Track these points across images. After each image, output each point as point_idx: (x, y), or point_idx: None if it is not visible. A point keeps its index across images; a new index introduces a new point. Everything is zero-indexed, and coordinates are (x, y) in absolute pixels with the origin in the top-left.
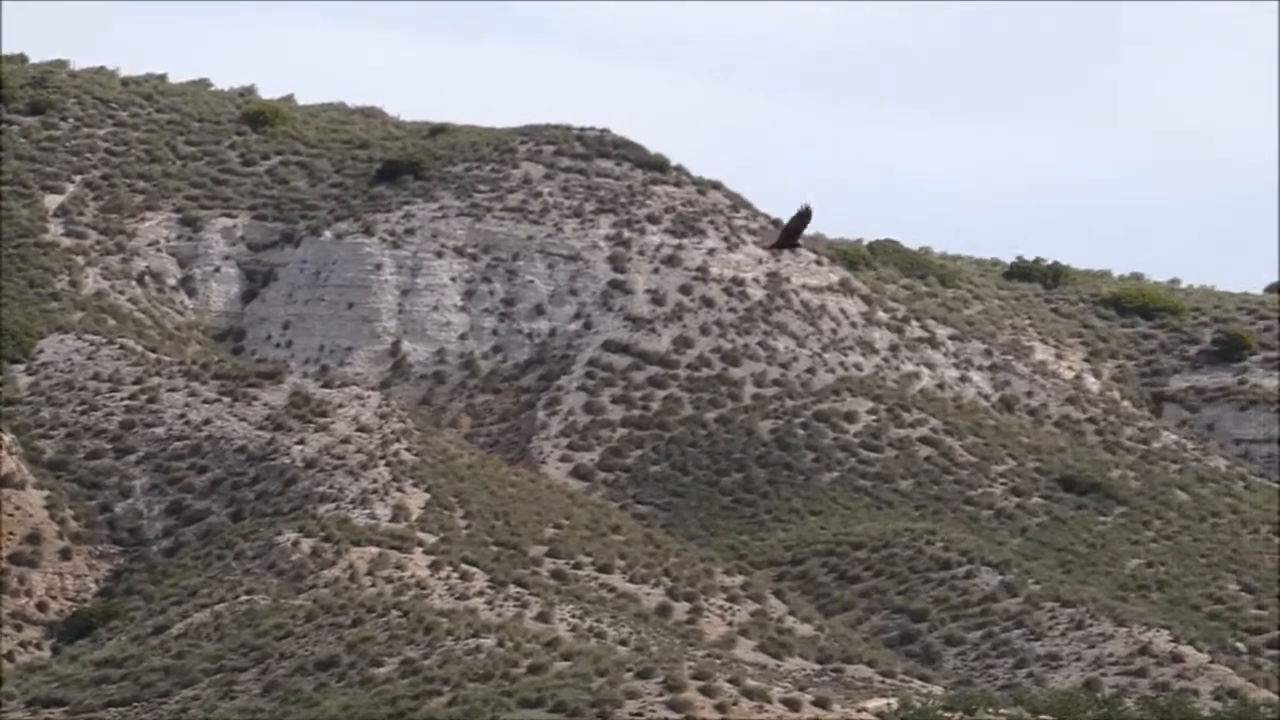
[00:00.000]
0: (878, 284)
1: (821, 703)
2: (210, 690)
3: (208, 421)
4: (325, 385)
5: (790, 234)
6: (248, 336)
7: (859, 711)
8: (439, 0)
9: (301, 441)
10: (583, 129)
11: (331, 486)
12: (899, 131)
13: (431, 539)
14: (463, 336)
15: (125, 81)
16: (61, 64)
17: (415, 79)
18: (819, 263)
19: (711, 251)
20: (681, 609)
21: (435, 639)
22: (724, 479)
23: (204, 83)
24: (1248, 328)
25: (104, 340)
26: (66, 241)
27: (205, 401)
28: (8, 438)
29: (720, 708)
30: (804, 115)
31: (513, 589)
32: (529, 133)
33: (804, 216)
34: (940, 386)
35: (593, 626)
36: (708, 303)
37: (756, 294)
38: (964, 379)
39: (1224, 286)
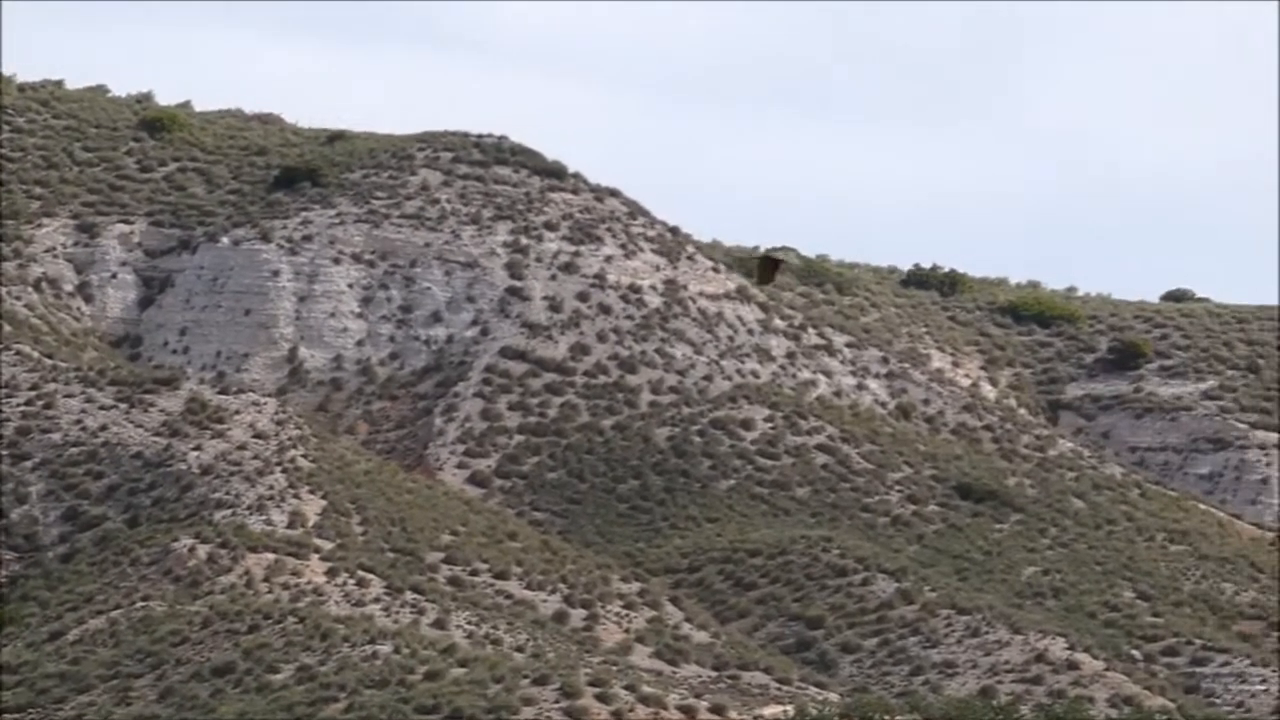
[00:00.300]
0: (775, 292)
1: (718, 709)
2: (106, 696)
3: (104, 428)
4: (222, 392)
5: (769, 271)
6: (145, 343)
7: (755, 718)
8: (338, 0)
9: (198, 448)
10: (480, 136)
11: (228, 493)
12: (797, 139)
13: (328, 545)
14: (360, 343)
15: (22, 88)
16: None
17: (313, 85)
18: (715, 270)
19: (609, 259)
20: (578, 615)
21: (332, 645)
22: (620, 486)
23: (101, 89)
24: (1144, 336)
25: (0, 346)
26: None
27: (102, 408)
28: None
29: (616, 714)
30: (702, 123)
31: (409, 595)
32: (427, 139)
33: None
34: (837, 394)
35: (489, 633)
36: (605, 310)
37: (654, 301)
38: (861, 387)
39: (1120, 295)
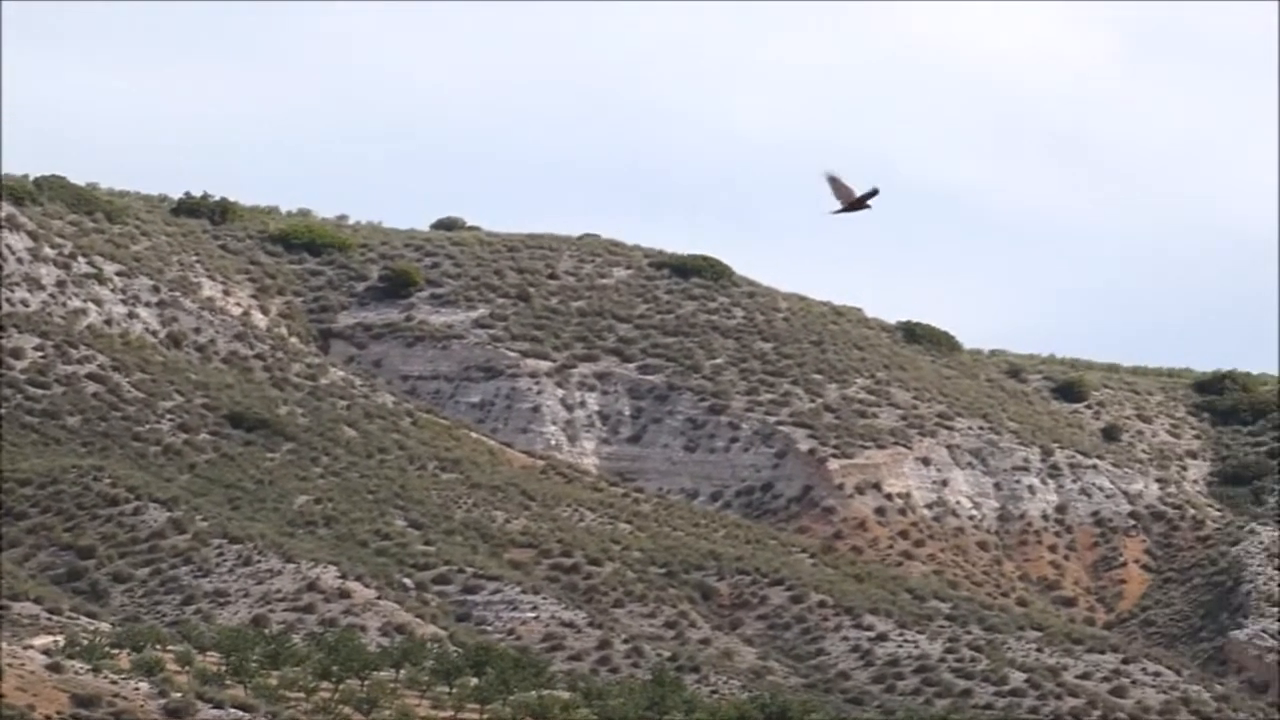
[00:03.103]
0: (44, 220)
1: None
2: None
3: None
4: None
5: (856, 203)
6: None
7: (25, 649)
8: None
9: None
10: None
11: None
12: (66, 68)
13: None
14: None
15: None
16: None
17: None
18: None
19: None
20: None
21: None
22: None
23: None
24: (415, 264)
25: None
26: None
27: None
28: None
29: None
30: None
31: None
32: None
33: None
34: (108, 323)
35: None
36: None
37: None
38: (132, 315)
39: (392, 223)
